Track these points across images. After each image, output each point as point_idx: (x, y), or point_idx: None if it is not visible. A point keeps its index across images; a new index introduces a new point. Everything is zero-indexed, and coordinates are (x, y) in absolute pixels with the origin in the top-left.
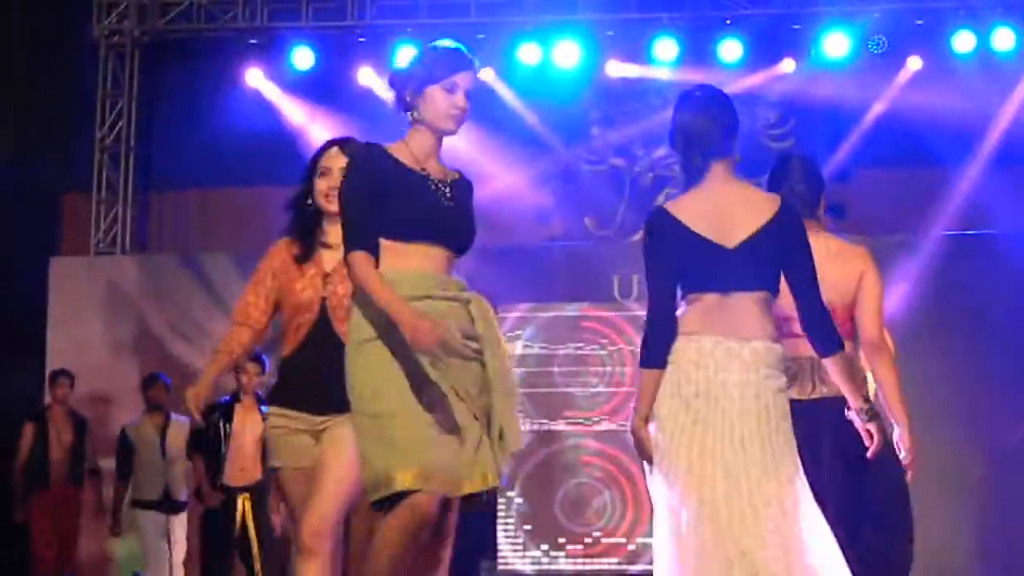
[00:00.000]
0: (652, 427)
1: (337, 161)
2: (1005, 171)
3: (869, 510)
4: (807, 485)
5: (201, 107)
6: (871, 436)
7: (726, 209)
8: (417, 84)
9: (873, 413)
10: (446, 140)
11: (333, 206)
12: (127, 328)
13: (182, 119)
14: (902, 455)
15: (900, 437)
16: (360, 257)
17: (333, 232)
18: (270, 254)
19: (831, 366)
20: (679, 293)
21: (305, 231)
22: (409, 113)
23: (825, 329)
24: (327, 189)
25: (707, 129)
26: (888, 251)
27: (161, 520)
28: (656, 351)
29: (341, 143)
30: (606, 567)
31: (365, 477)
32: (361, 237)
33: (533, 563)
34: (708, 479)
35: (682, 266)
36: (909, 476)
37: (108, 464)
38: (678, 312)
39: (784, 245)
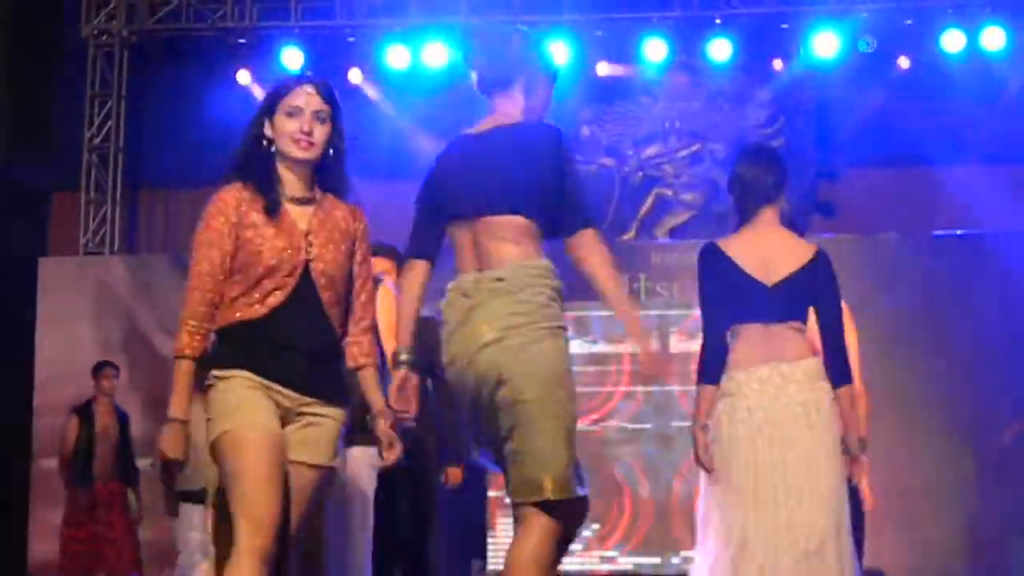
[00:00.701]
0: (714, 445)
1: (312, 102)
2: (995, 171)
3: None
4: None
5: (190, 107)
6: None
7: (770, 251)
8: None
9: (864, 445)
10: (439, 146)
11: (304, 153)
12: (116, 328)
13: (171, 119)
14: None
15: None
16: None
17: (297, 184)
18: (223, 204)
19: (839, 396)
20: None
21: (265, 179)
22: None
23: (841, 363)
24: (296, 132)
25: (759, 179)
26: (877, 250)
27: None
28: (712, 368)
29: (310, 78)
30: (599, 568)
31: (532, 461)
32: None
33: None
34: (769, 493)
35: (728, 297)
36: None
37: None
38: (730, 340)
39: (816, 287)
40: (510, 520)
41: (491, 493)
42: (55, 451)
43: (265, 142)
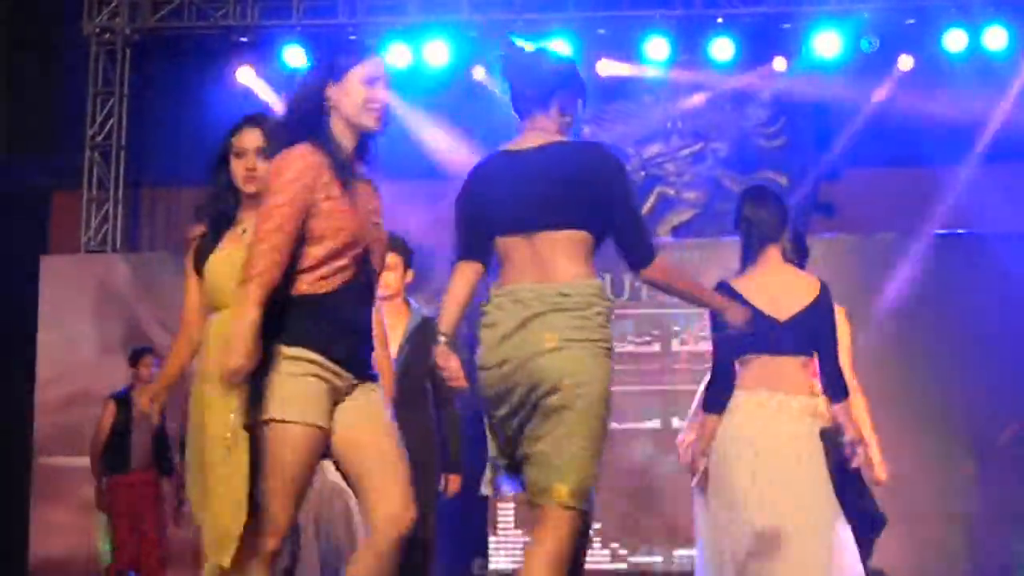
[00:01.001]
0: (712, 459)
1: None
2: (996, 171)
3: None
4: (846, 526)
5: (192, 105)
6: (855, 456)
7: (779, 289)
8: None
9: (860, 440)
10: (445, 140)
11: (378, 124)
12: (118, 326)
13: (173, 117)
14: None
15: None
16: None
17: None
18: (307, 164)
19: (839, 409)
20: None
21: (336, 148)
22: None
23: (837, 385)
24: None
25: (764, 220)
26: (879, 250)
27: None
28: (718, 399)
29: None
30: (595, 566)
31: (559, 465)
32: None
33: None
34: (760, 504)
35: (742, 332)
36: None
37: (79, 462)
38: (738, 368)
39: (819, 321)
40: (511, 519)
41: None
42: (58, 448)
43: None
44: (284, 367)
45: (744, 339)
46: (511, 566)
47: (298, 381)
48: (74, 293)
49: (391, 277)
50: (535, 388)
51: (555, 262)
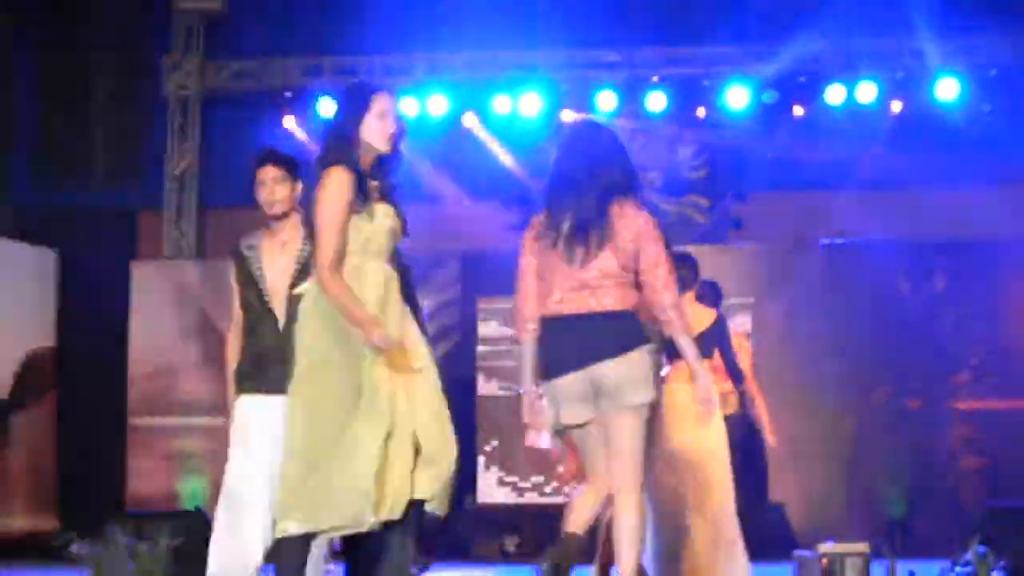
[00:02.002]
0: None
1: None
2: (869, 194)
3: None
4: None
5: (248, 145)
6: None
7: (692, 320)
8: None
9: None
10: (440, 174)
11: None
12: (191, 316)
13: (233, 154)
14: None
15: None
16: None
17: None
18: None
19: (741, 392)
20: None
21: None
22: None
23: (735, 372)
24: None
25: (683, 276)
26: (779, 256)
27: None
28: None
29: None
30: (562, 500)
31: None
32: None
33: (504, 498)
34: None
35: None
36: None
37: (163, 422)
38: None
39: (717, 338)
40: (496, 457)
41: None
42: (145, 411)
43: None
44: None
45: (670, 350)
46: (494, 499)
47: None
48: (157, 291)
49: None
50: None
51: None
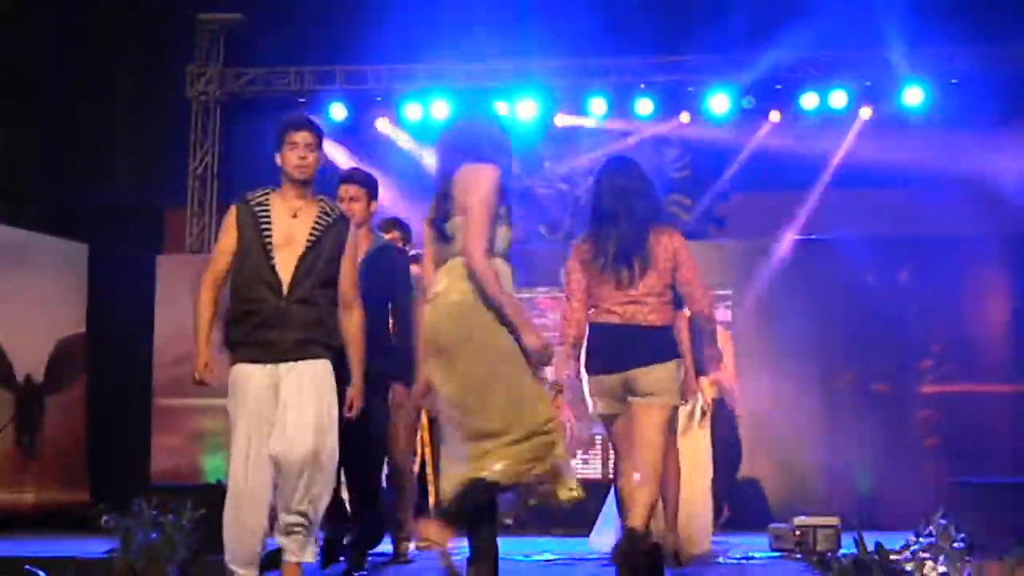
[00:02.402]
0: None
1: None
2: (839, 194)
3: None
4: None
5: (264, 146)
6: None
7: None
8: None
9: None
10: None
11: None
12: None
13: (250, 155)
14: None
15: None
16: None
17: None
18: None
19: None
20: None
21: None
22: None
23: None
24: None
25: None
26: (757, 250)
27: None
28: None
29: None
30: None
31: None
32: None
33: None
34: None
35: None
36: None
37: (186, 403)
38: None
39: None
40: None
41: None
42: (170, 392)
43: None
44: None
45: None
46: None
47: None
48: (181, 282)
49: (356, 207)
50: None
51: None
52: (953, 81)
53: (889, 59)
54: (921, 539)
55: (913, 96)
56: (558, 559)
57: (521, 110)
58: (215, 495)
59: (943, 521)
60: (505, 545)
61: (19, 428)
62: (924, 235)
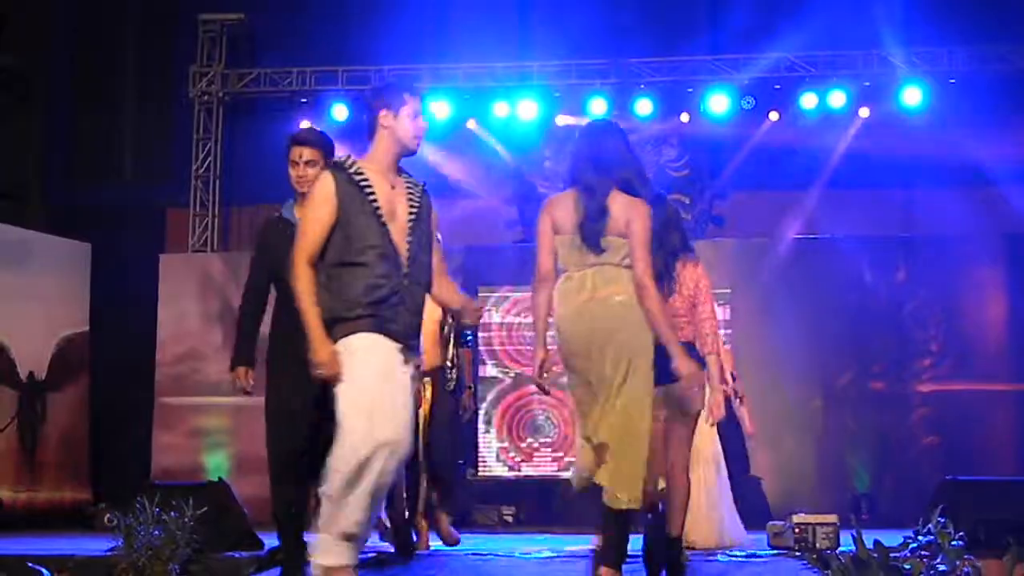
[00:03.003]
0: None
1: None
2: (837, 193)
3: None
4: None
5: (266, 146)
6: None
7: None
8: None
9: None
10: (450, 168)
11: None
12: (214, 305)
13: (253, 156)
14: None
15: None
16: None
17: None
18: None
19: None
20: None
21: None
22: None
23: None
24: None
25: None
26: (755, 249)
27: None
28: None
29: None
30: (552, 474)
31: None
32: None
33: (502, 471)
34: None
35: None
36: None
37: (188, 401)
38: None
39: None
40: (492, 434)
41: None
42: (172, 391)
43: None
44: None
45: None
46: (497, 474)
47: None
48: (183, 281)
49: (312, 172)
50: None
51: None
52: (951, 81)
53: (888, 59)
54: (919, 537)
55: (912, 96)
56: (557, 556)
57: (522, 110)
58: (217, 493)
59: (941, 519)
60: (505, 542)
61: (22, 426)
62: (922, 234)
